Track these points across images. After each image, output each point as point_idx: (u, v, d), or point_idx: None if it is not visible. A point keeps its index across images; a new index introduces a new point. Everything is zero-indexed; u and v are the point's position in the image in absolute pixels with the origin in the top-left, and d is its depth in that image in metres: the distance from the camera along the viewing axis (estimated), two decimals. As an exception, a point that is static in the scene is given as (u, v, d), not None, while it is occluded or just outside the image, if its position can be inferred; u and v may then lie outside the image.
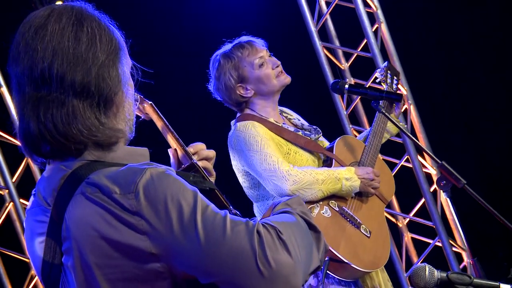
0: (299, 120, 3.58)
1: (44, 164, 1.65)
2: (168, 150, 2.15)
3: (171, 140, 2.15)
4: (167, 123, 2.19)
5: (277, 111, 3.51)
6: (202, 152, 2.10)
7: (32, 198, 1.68)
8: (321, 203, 3.26)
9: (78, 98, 1.57)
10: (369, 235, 3.32)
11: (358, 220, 3.32)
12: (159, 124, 2.22)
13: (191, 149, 2.11)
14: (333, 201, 3.29)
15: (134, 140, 1.73)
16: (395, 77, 3.73)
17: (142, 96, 2.20)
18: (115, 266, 1.52)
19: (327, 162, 3.44)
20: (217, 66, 3.42)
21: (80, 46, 1.57)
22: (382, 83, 3.70)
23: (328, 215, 3.24)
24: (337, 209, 3.28)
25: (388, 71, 3.72)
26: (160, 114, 2.21)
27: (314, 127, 3.55)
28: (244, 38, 3.47)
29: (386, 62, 3.82)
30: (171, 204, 1.49)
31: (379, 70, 3.77)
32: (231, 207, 1.89)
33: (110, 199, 1.51)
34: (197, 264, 1.50)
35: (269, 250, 1.50)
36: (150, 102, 2.23)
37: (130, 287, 1.53)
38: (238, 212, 1.78)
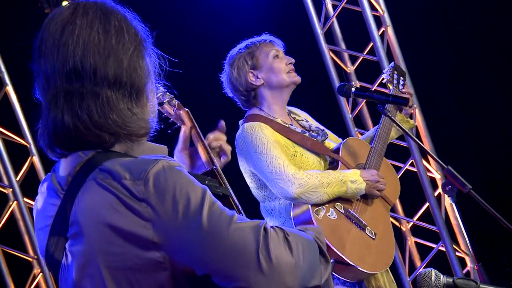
0: (306, 121, 3.59)
1: (64, 156, 1.65)
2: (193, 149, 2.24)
3: (200, 147, 2.23)
4: (199, 131, 2.27)
5: (285, 111, 3.52)
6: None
7: (46, 183, 1.69)
8: (327, 205, 3.27)
9: (111, 89, 1.58)
10: (374, 237, 3.33)
11: (364, 222, 3.32)
12: (192, 131, 2.30)
13: (211, 136, 2.23)
14: (339, 203, 3.30)
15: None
16: (401, 78, 3.73)
17: (179, 103, 2.28)
18: (117, 254, 1.54)
19: (333, 164, 3.45)
20: (234, 54, 3.50)
21: (109, 38, 1.60)
22: (388, 84, 3.70)
23: (334, 217, 3.25)
24: (343, 211, 3.29)
25: (395, 72, 3.72)
26: (194, 122, 2.29)
27: (321, 128, 3.56)
28: (265, 36, 3.55)
29: (392, 63, 3.83)
30: (179, 195, 1.51)
31: (385, 70, 3.78)
32: (242, 214, 1.88)
33: (120, 184, 1.53)
34: (195, 251, 1.50)
35: (273, 245, 1.51)
36: (186, 110, 2.32)
37: (130, 277, 1.54)
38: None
